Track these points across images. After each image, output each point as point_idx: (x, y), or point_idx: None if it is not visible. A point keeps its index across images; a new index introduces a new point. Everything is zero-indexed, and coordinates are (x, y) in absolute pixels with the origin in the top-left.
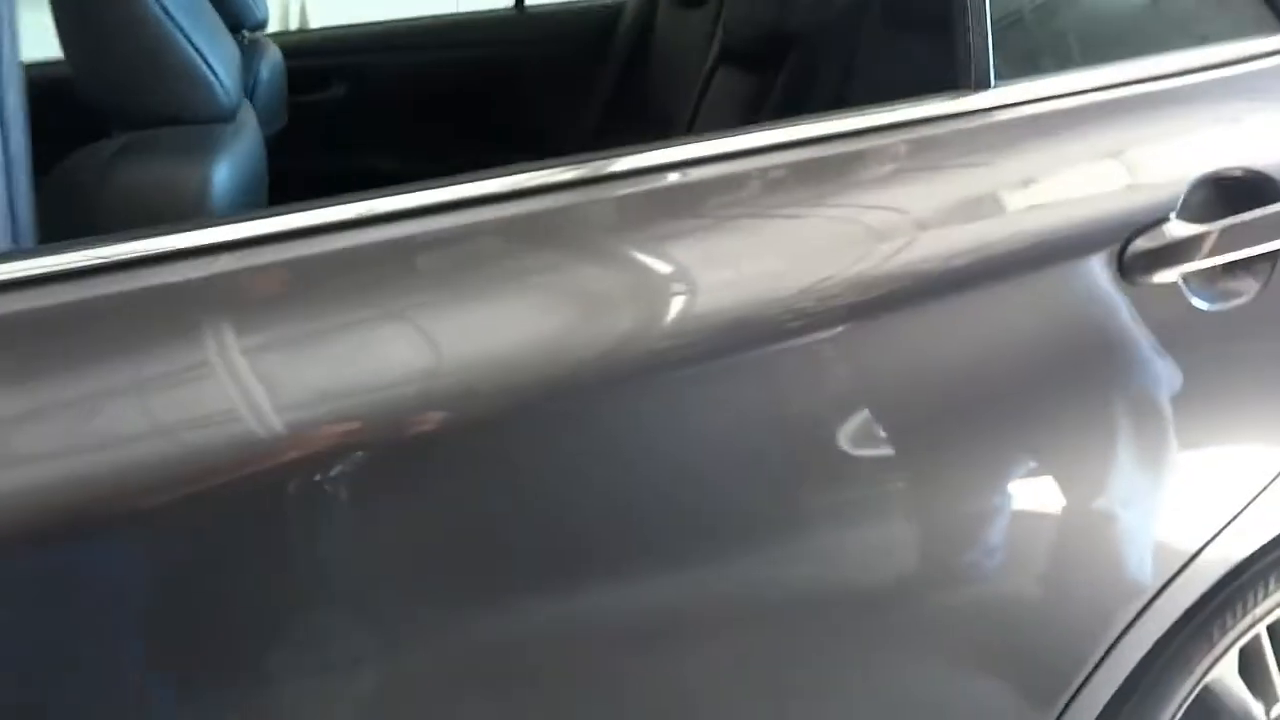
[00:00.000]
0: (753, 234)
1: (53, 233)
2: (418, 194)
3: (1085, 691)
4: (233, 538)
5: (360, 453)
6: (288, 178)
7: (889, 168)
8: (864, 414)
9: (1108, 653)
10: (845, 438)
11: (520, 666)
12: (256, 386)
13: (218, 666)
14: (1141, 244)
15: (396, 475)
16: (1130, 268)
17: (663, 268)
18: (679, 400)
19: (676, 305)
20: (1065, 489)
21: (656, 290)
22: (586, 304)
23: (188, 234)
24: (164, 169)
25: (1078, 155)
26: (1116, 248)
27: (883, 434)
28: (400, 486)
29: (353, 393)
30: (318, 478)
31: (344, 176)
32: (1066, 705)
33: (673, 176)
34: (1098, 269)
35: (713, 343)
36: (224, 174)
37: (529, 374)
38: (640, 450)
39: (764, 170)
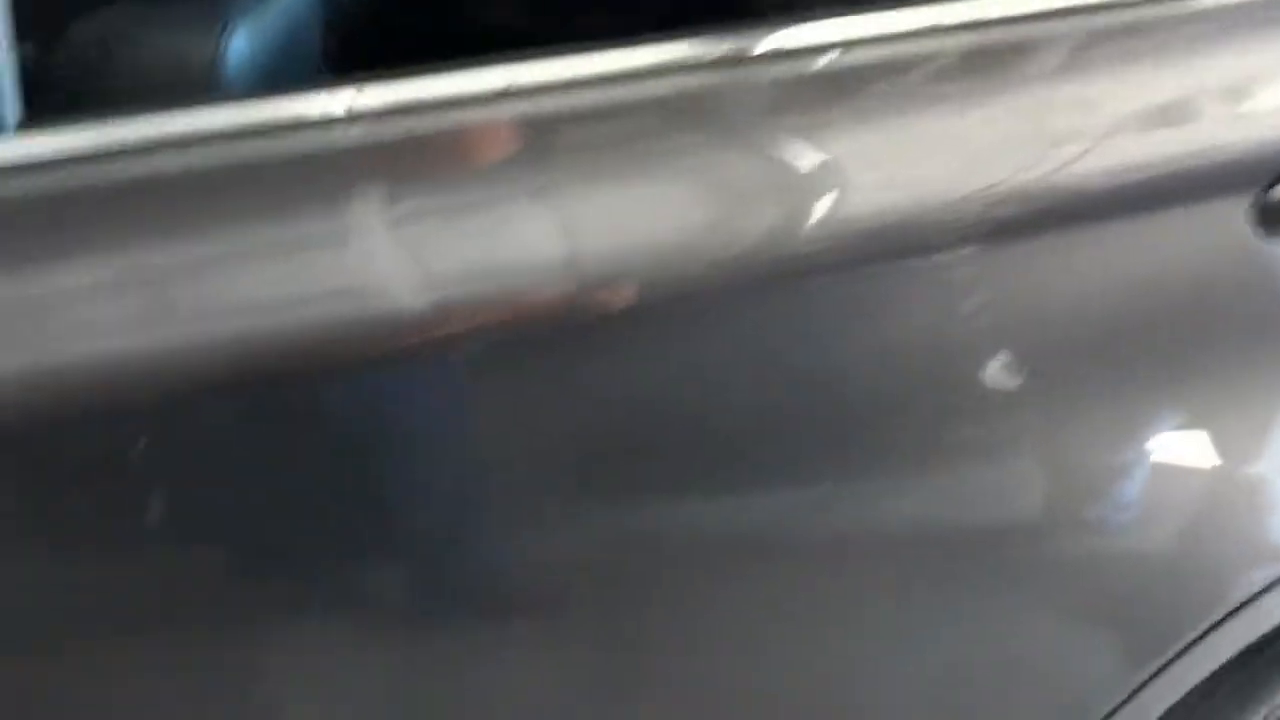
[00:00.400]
0: (913, 129)
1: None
2: (562, 65)
3: (1186, 658)
4: (356, 415)
5: (492, 335)
6: (398, 32)
7: (1068, 58)
8: (1008, 343)
9: (1226, 618)
10: (984, 367)
11: (645, 565)
12: (393, 259)
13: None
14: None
15: (526, 362)
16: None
17: (813, 161)
18: (816, 309)
19: (823, 206)
20: (1212, 447)
21: (804, 187)
22: (732, 195)
23: (332, 97)
24: (170, 40)
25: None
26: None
27: (1025, 367)
28: (530, 374)
29: (490, 273)
30: (449, 358)
31: (461, 35)
32: (1162, 668)
33: (830, 57)
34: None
35: (857, 250)
36: (243, 44)
37: (671, 266)
38: (769, 359)
39: (931, 55)
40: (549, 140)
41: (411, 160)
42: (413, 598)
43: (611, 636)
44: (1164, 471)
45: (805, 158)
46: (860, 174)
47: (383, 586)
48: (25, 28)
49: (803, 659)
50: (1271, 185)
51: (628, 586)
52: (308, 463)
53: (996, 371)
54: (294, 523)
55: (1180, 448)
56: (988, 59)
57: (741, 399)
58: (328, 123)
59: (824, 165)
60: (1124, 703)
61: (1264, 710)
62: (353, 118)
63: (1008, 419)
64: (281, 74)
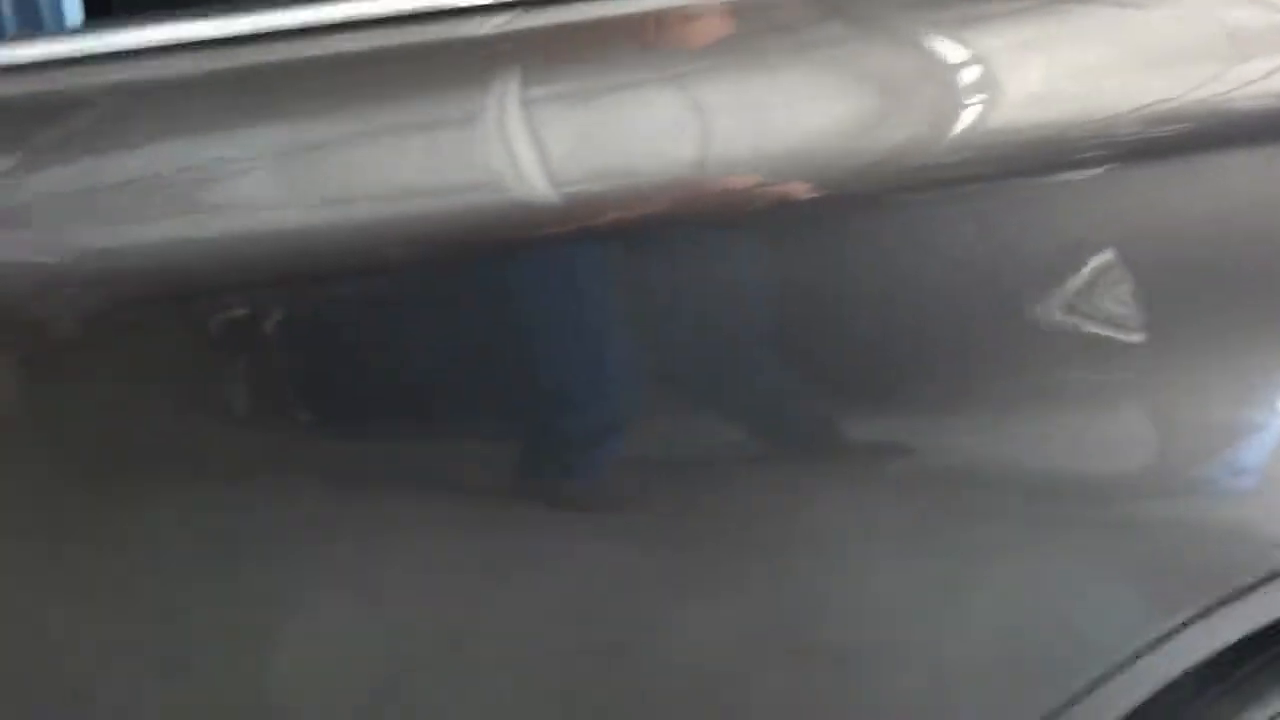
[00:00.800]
0: (1079, 28)
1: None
2: None
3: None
4: (484, 301)
5: (624, 227)
6: None
7: None
8: (1138, 279)
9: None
10: (1103, 304)
11: (750, 471)
12: (529, 146)
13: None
14: None
15: (653, 257)
16: None
17: (965, 60)
18: (947, 221)
19: (971, 114)
20: None
21: (954, 90)
22: (877, 94)
23: None
24: None
25: None
26: None
27: (1149, 307)
28: (656, 268)
29: (625, 164)
30: (580, 249)
31: None
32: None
33: None
34: None
35: (1001, 164)
36: None
37: (808, 164)
38: (896, 271)
39: None
40: (691, 27)
41: (551, 46)
42: (517, 482)
43: (717, 534)
44: None
45: (957, 57)
46: (1015, 79)
47: (488, 470)
48: None
49: (894, 573)
50: None
51: (731, 489)
52: (430, 346)
53: (1122, 306)
54: (409, 404)
55: None
56: None
57: (861, 308)
58: (471, 9)
59: (976, 68)
60: (1153, 645)
61: None
62: (496, 5)
63: (1127, 358)
64: None
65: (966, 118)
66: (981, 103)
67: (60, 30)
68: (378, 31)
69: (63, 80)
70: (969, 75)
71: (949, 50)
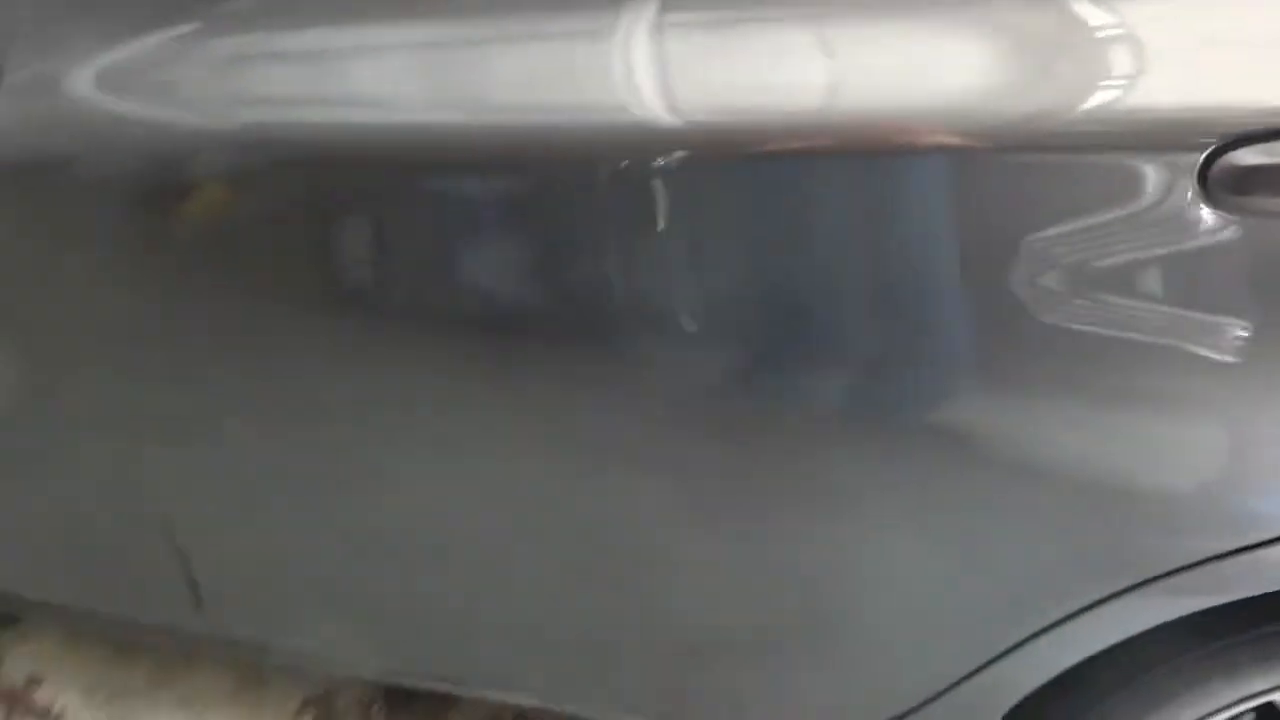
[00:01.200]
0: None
1: None
2: None
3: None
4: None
5: (737, 159)
6: None
7: None
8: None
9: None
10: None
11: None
12: (655, 70)
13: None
14: (1243, 159)
15: (759, 188)
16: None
17: (1110, 31)
18: (1042, 189)
19: (1108, 92)
20: None
21: (1087, 57)
22: (1007, 54)
23: None
24: None
25: None
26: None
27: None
28: (764, 201)
29: (745, 98)
30: (691, 176)
31: None
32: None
33: None
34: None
35: (1114, 140)
36: None
37: (935, 117)
38: (980, 238)
39: None
40: None
41: None
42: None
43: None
44: None
45: (1104, 26)
46: (1161, 56)
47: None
48: None
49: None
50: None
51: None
52: (530, 249)
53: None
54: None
55: None
56: None
57: (954, 259)
58: None
59: (1121, 39)
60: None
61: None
62: None
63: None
64: None
65: (1105, 92)
66: (1123, 79)
67: None
68: None
69: None
70: (1114, 48)
71: (1097, 19)
